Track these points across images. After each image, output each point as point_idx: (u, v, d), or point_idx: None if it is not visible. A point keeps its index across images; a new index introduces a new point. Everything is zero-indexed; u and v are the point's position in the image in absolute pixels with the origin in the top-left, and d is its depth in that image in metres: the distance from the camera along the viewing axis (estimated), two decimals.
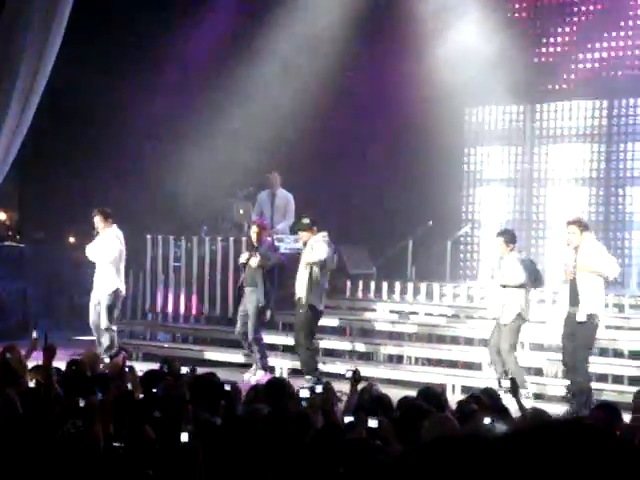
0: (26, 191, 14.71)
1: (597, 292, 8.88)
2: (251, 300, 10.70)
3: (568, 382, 9.11)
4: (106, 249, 10.99)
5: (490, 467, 1.45)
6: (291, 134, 13.80)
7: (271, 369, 10.79)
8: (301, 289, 10.29)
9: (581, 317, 8.82)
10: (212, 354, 11.79)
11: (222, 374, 10.25)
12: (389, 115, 13.97)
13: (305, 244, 10.44)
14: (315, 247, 10.25)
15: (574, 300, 8.95)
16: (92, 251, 11.04)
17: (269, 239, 11.61)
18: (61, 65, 11.27)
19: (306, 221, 10.37)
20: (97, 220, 11.01)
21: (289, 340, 11.62)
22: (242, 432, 4.75)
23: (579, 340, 8.86)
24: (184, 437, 4.24)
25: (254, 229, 10.92)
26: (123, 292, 11.25)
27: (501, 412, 5.88)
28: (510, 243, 9.54)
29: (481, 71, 13.04)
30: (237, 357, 11.49)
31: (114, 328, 11.06)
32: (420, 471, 1.51)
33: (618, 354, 10.27)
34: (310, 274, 10.21)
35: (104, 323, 10.91)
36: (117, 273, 11.02)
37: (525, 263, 9.59)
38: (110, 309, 10.99)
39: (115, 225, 11.11)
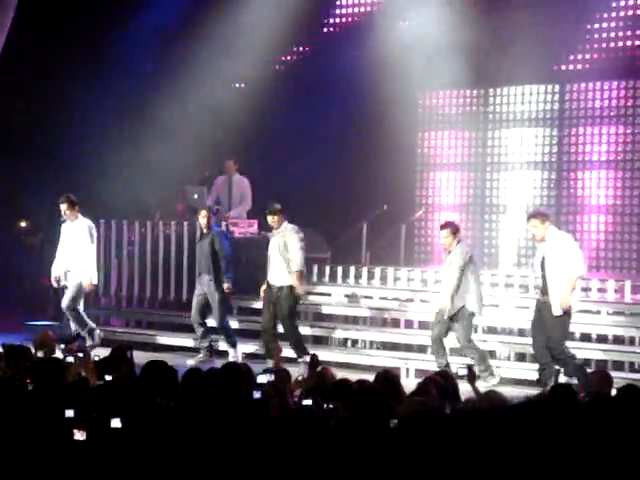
0: None
1: (568, 284, 8.89)
2: (210, 289, 10.71)
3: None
4: (80, 239, 10.92)
5: None
6: (241, 118, 13.73)
7: (221, 353, 10.78)
8: (278, 277, 10.30)
9: (556, 311, 8.87)
10: (166, 339, 11.75)
11: (176, 359, 10.30)
12: (343, 98, 13.94)
13: (274, 229, 10.40)
14: (290, 245, 10.24)
15: (544, 289, 9.00)
16: (64, 239, 10.92)
17: (223, 224, 11.61)
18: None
19: (278, 206, 10.37)
20: (64, 207, 10.92)
21: (244, 325, 11.62)
22: (195, 416, 4.73)
23: (553, 331, 8.91)
24: (115, 423, 4.19)
25: (203, 214, 10.92)
26: (96, 281, 11.25)
27: (455, 395, 5.93)
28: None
29: (435, 54, 13.06)
30: (190, 342, 11.45)
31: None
32: None
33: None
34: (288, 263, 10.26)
35: (76, 305, 10.94)
36: (91, 263, 11.00)
37: None
38: (80, 294, 10.99)
39: (80, 214, 11.04)
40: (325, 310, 11.99)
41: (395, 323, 11.54)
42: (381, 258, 13.13)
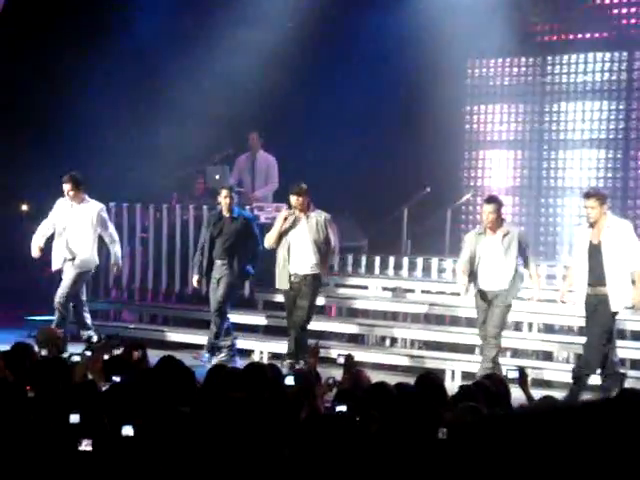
0: None
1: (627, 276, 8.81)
2: (223, 273, 10.67)
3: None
4: (88, 225, 10.92)
5: None
6: (268, 92, 13.69)
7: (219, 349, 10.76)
8: (305, 266, 10.25)
9: (616, 306, 8.77)
10: (183, 336, 11.75)
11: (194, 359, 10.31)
12: (380, 67, 13.84)
13: (297, 212, 10.30)
14: (329, 229, 10.24)
15: (597, 281, 8.84)
16: (67, 222, 10.94)
17: (247, 208, 11.58)
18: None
19: (304, 186, 10.29)
20: (67, 188, 10.87)
21: (271, 321, 11.60)
22: (213, 422, 4.69)
23: (599, 326, 8.80)
24: (127, 430, 4.15)
25: (225, 194, 10.77)
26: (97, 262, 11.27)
27: (504, 401, 5.85)
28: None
29: (486, 17, 12.92)
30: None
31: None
32: None
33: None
34: (319, 251, 10.20)
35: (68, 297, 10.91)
36: (95, 251, 11.02)
37: None
38: (81, 284, 10.99)
39: (86, 195, 11.03)
40: (361, 305, 11.94)
41: (439, 320, 11.47)
42: (424, 247, 13.06)
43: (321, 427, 4.35)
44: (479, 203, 14.61)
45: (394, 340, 11.44)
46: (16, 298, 11.45)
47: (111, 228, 11.19)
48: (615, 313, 8.86)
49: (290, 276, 10.31)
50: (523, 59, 14.37)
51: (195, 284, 11.11)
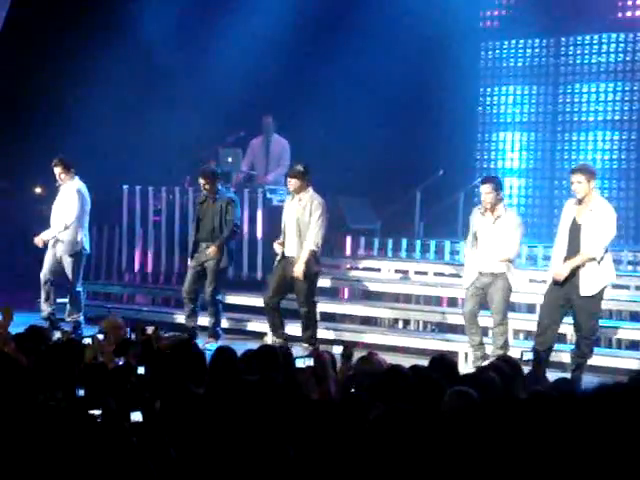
0: None
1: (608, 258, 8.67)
2: (209, 257, 10.64)
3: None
4: (68, 205, 10.93)
5: None
6: (282, 75, 13.64)
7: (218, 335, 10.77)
8: (293, 249, 10.19)
9: (585, 291, 8.57)
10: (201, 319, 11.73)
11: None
12: (392, 48, 13.75)
13: (293, 194, 10.26)
14: (313, 212, 10.07)
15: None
16: (55, 207, 11.00)
17: (259, 190, 11.54)
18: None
19: (300, 168, 10.22)
20: (58, 171, 10.94)
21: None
22: (227, 404, 4.68)
23: (586, 312, 8.64)
24: (136, 416, 4.11)
25: (201, 182, 10.73)
26: (88, 250, 11.25)
27: (519, 382, 5.83)
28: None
29: None
30: (223, 322, 11.44)
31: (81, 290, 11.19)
32: None
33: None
34: (300, 234, 10.11)
35: (76, 285, 11.04)
36: (81, 231, 11.00)
37: None
38: (78, 269, 11.04)
39: (77, 177, 11.03)
40: (373, 287, 11.91)
41: (452, 302, 11.42)
42: (437, 229, 13.00)
43: (336, 411, 4.34)
44: None
45: (407, 322, 11.42)
46: (30, 281, 11.47)
47: (76, 209, 10.98)
48: (594, 296, 8.65)
49: (284, 257, 10.24)
50: (537, 40, 14.27)
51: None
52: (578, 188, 8.67)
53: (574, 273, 8.61)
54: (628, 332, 10.01)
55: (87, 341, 6.41)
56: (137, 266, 13.25)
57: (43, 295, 11.08)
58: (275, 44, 13.46)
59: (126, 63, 13.57)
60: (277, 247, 10.35)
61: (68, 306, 11.14)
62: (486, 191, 9.29)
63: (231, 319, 11.47)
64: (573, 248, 8.67)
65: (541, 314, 9.04)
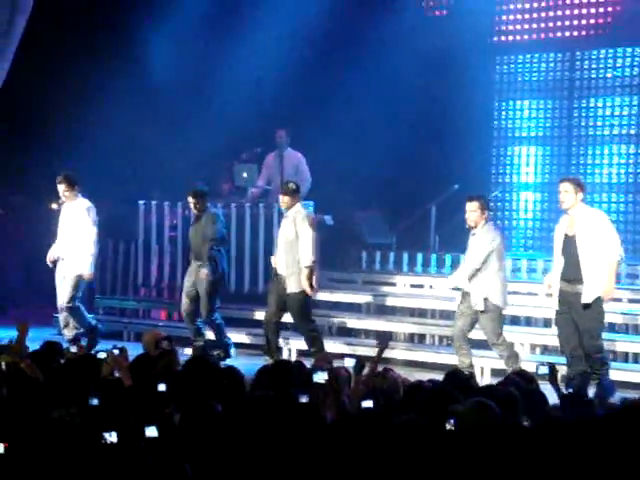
0: (2, 150, 14.65)
1: (602, 268, 8.58)
2: (200, 277, 10.62)
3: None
4: (81, 224, 10.85)
5: None
6: (294, 86, 13.65)
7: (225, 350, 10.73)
8: (282, 267, 10.16)
9: (586, 299, 8.58)
10: (211, 333, 11.71)
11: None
12: (408, 62, 13.76)
13: (285, 211, 10.24)
14: (299, 225, 10.03)
15: (573, 275, 8.64)
16: (61, 223, 10.92)
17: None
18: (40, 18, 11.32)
19: (292, 185, 10.25)
20: (62, 188, 10.82)
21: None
22: (246, 420, 4.67)
23: (585, 323, 8.62)
24: (151, 432, 4.06)
25: (189, 200, 10.75)
26: (92, 270, 11.08)
27: (537, 398, 5.79)
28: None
29: (514, 11, 12.83)
30: (241, 337, 11.45)
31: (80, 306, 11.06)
32: None
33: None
34: (292, 249, 10.06)
35: (75, 301, 10.88)
36: (92, 252, 10.91)
37: None
38: (80, 288, 10.95)
39: (80, 195, 10.94)
40: (389, 302, 11.89)
41: None
42: (452, 243, 12.96)
43: (352, 427, 4.32)
44: (507, 199, 14.55)
45: (422, 336, 11.38)
46: (46, 297, 11.49)
47: (91, 229, 10.92)
48: (594, 305, 8.62)
49: (277, 275, 10.24)
50: (552, 54, 14.25)
51: None
52: (565, 197, 8.68)
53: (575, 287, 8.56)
54: None
55: (102, 356, 6.40)
56: (153, 281, 13.26)
57: (62, 322, 10.94)
58: (290, 59, 13.47)
59: (142, 81, 13.64)
60: (273, 261, 10.38)
61: (70, 322, 10.91)
62: (470, 209, 9.27)
63: (253, 334, 11.42)
64: (571, 261, 8.63)
65: (560, 343, 8.96)
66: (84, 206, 10.89)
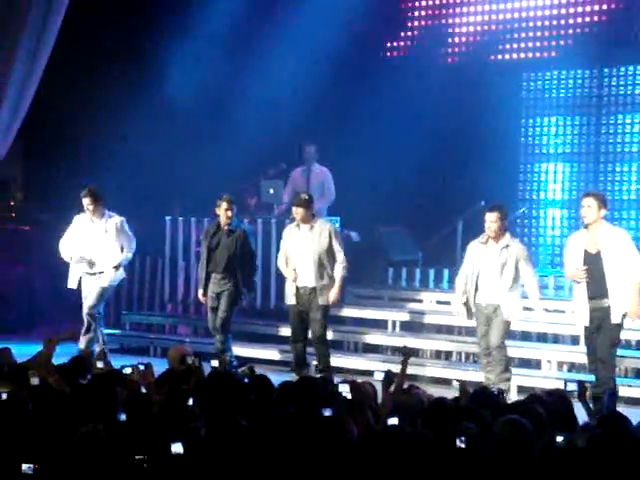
0: (30, 168, 14.77)
1: (627, 287, 8.46)
2: (222, 288, 10.59)
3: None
4: (120, 238, 10.85)
5: None
6: (318, 101, 13.68)
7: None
8: (311, 279, 10.09)
9: (616, 318, 8.47)
10: (238, 349, 11.72)
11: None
12: (435, 81, 13.77)
13: (299, 223, 10.10)
14: (334, 237, 10.05)
15: (599, 293, 8.51)
16: (88, 237, 10.90)
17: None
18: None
19: (305, 197, 10.15)
20: (87, 202, 10.78)
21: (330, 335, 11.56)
22: (271, 435, 4.67)
23: (606, 338, 8.49)
24: (176, 448, 4.02)
25: (224, 206, 10.53)
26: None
27: (569, 418, 5.73)
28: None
29: (540, 28, 12.82)
30: (271, 353, 11.44)
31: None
32: None
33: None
34: (323, 261, 10.04)
35: (97, 310, 10.91)
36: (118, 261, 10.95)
37: None
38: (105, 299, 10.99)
39: (106, 209, 10.94)
40: (415, 318, 11.86)
41: None
42: None
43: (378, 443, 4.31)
44: (534, 216, 14.51)
45: (449, 353, 11.33)
46: (73, 313, 11.54)
47: (131, 240, 10.95)
48: (620, 324, 8.56)
49: (298, 289, 10.15)
50: (579, 71, 14.21)
51: (200, 298, 10.93)
52: (587, 212, 8.61)
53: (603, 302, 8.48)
54: None
55: (127, 371, 6.42)
56: (180, 297, 13.30)
57: (90, 334, 10.90)
58: (317, 75, 13.50)
59: (169, 101, 13.72)
60: (289, 274, 10.17)
61: (94, 335, 10.89)
62: (491, 219, 9.23)
63: (282, 351, 11.41)
64: (596, 278, 8.51)
65: (588, 360, 8.87)
66: (119, 221, 10.88)
